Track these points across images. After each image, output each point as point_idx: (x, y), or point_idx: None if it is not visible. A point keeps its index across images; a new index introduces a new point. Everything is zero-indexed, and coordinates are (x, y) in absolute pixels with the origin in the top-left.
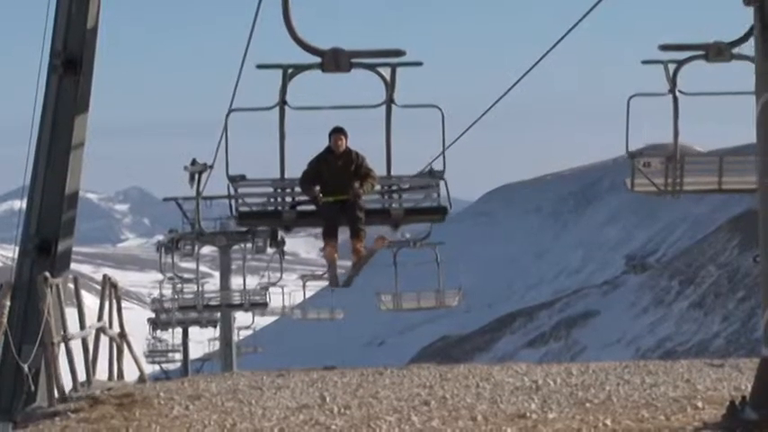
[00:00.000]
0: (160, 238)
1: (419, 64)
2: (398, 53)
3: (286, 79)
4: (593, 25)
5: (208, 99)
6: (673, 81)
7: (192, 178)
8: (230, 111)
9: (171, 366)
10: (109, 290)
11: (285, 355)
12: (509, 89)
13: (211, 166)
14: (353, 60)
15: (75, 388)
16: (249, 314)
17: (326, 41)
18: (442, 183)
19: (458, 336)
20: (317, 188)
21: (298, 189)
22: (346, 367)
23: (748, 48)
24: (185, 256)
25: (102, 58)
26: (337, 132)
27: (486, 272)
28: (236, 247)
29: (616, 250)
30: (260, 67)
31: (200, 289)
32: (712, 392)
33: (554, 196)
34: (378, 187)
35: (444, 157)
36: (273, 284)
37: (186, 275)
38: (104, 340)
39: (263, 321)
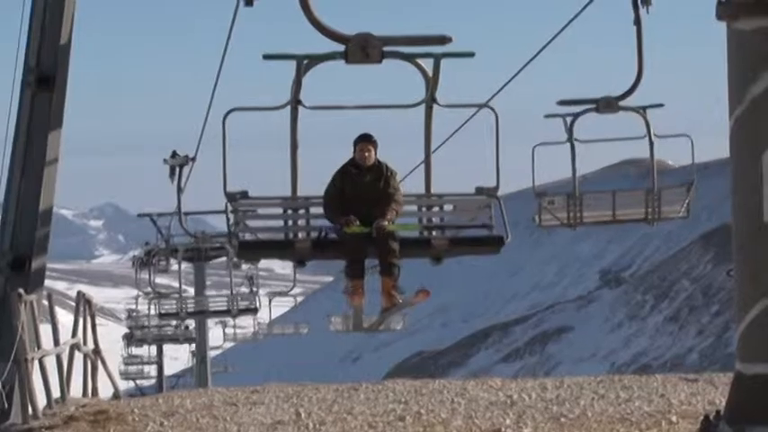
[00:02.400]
0: (135, 254)
1: (470, 55)
2: (443, 40)
3: (300, 72)
4: (581, 36)
5: (185, 114)
6: (570, 131)
7: (172, 172)
8: (230, 110)
9: (146, 383)
10: (83, 306)
11: (259, 372)
12: (486, 101)
13: (193, 159)
14: (386, 49)
15: (49, 405)
16: (218, 335)
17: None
18: (494, 203)
19: (433, 351)
20: (352, 217)
21: (314, 210)
22: (321, 383)
23: (632, 100)
24: (160, 272)
25: (76, 71)
26: (364, 141)
27: (461, 286)
28: (211, 262)
29: (590, 265)
30: (267, 57)
31: (182, 294)
32: (687, 407)
33: (529, 211)
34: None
35: (498, 169)
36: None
37: (162, 291)
38: (79, 357)
39: (228, 343)
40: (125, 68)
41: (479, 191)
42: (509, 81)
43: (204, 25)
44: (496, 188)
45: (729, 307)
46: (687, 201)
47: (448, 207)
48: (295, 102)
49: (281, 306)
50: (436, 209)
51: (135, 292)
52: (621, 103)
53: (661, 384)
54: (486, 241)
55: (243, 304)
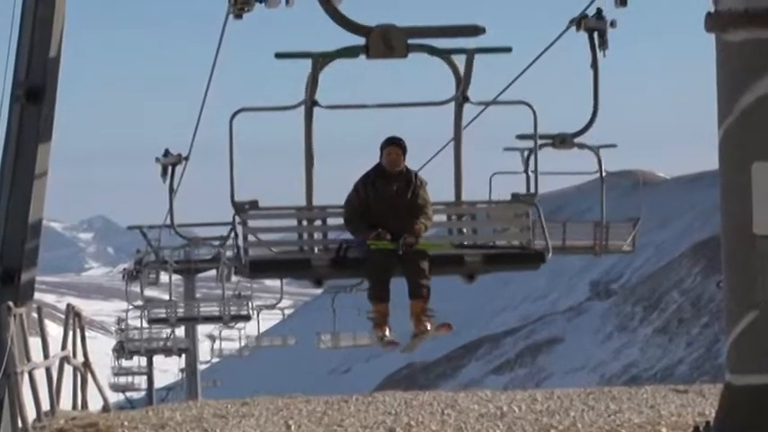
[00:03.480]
0: (124, 266)
1: (507, 50)
2: (476, 30)
3: (317, 70)
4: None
5: (174, 128)
6: (526, 163)
7: (164, 171)
8: (238, 111)
9: (135, 395)
10: (73, 319)
11: (249, 385)
12: (474, 117)
13: (186, 158)
14: (412, 42)
15: (39, 418)
16: (206, 349)
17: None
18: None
19: (423, 362)
20: (382, 230)
21: (333, 221)
22: (311, 395)
23: (587, 138)
24: (150, 284)
25: (64, 84)
26: (392, 145)
27: (451, 298)
28: (199, 275)
29: (580, 276)
30: (280, 56)
31: (172, 297)
32: (676, 418)
33: None
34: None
35: (536, 172)
36: (231, 327)
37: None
38: (68, 370)
39: (215, 359)
40: (115, 81)
41: (515, 197)
42: (500, 93)
43: (197, 35)
44: (534, 194)
45: (719, 318)
46: (633, 235)
47: (480, 216)
48: (310, 102)
49: (271, 319)
50: (466, 218)
51: (125, 305)
52: (577, 141)
53: (651, 396)
54: (524, 258)
55: (233, 309)
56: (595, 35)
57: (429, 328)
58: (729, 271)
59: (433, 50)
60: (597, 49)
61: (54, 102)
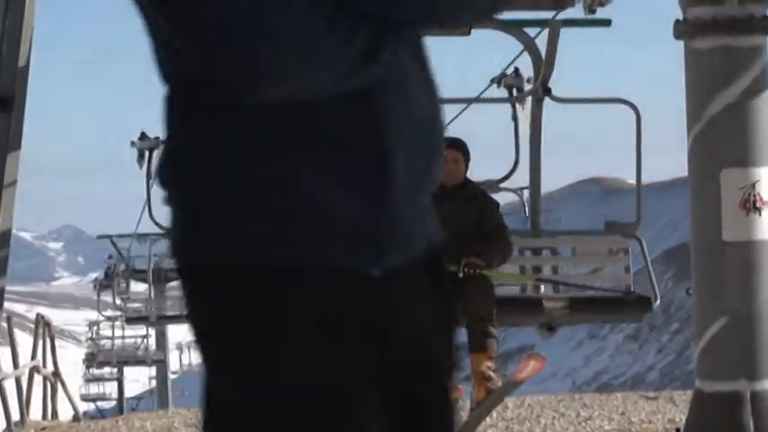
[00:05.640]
0: (95, 275)
1: (605, 23)
2: (562, 3)
3: None
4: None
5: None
6: None
7: (140, 156)
8: None
9: (106, 405)
10: (42, 329)
11: None
12: (456, 116)
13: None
14: None
15: (9, 428)
16: (175, 360)
17: None
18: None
19: None
20: None
21: None
22: None
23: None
24: (121, 294)
25: (33, 94)
26: (449, 148)
27: None
28: (169, 284)
29: None
30: None
31: (151, 297)
32: (647, 425)
33: None
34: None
35: (639, 191)
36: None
37: (119, 313)
38: (38, 379)
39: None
40: (82, 87)
41: (610, 227)
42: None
43: None
44: (637, 223)
45: (689, 325)
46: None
47: (564, 251)
48: None
49: None
50: (546, 253)
51: (95, 314)
52: (501, 185)
53: (621, 402)
54: (624, 305)
55: None
56: (514, 91)
57: (496, 385)
58: (699, 278)
59: (505, 24)
60: (517, 105)
61: (23, 110)
